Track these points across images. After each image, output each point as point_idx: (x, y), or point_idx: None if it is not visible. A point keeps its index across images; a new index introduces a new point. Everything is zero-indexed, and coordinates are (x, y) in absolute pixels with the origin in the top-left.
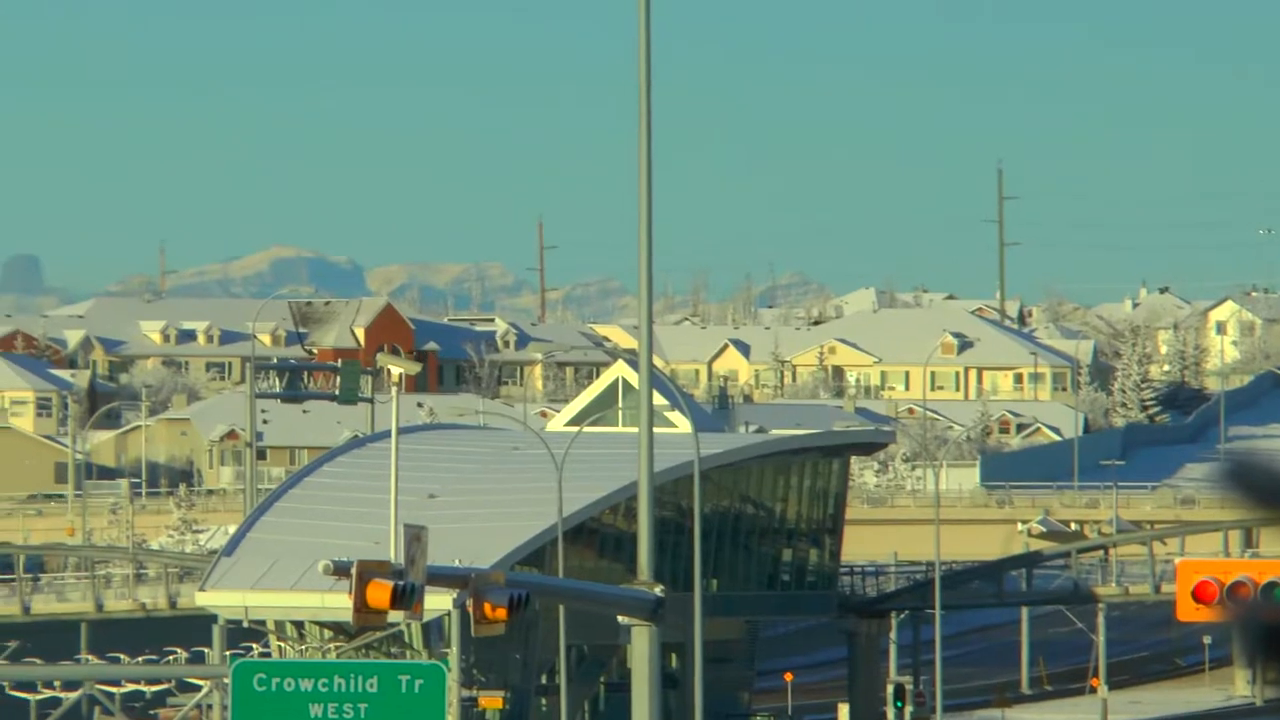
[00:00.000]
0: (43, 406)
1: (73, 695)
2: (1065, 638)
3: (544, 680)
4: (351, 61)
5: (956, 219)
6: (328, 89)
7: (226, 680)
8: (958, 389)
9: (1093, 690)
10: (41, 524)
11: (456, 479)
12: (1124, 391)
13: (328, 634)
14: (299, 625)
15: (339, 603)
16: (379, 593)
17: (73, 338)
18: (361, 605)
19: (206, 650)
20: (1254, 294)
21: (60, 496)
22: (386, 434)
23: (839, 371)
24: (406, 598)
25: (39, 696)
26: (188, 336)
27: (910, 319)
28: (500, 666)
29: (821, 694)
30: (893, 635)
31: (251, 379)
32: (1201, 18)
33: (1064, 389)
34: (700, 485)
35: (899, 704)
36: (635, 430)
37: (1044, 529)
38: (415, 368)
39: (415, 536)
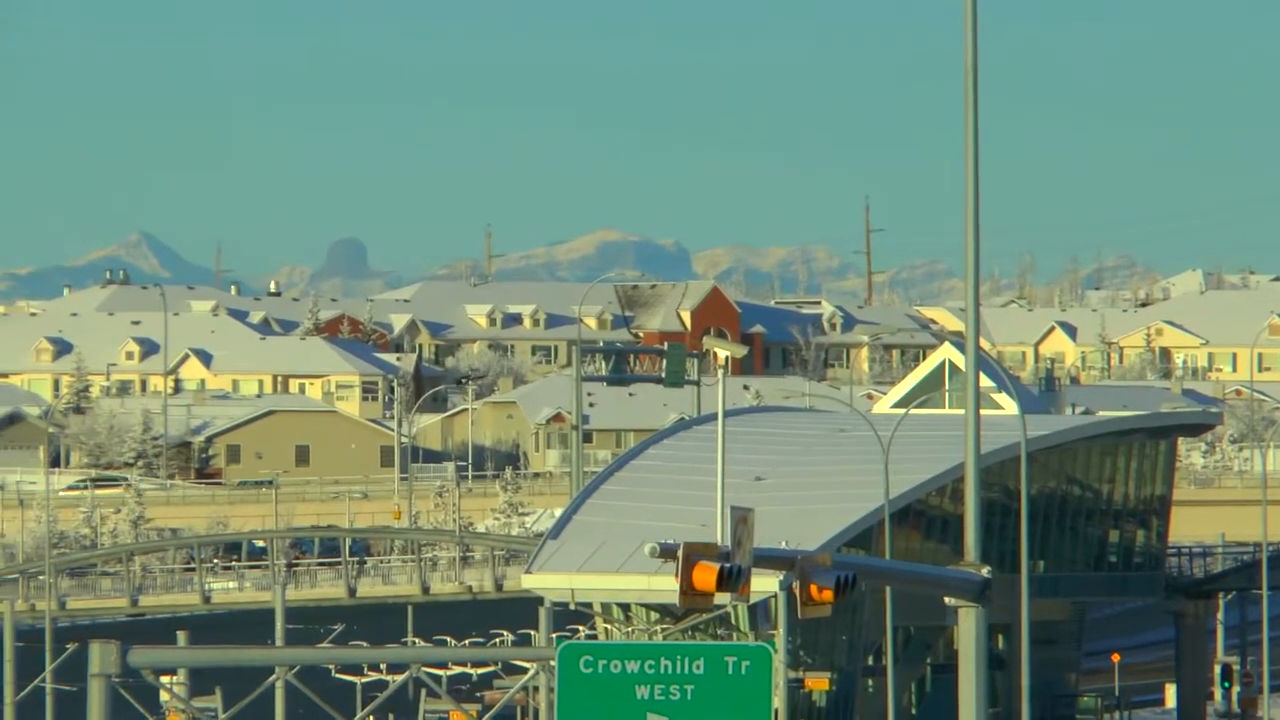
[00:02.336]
0: (368, 390)
1: (399, 678)
2: None
3: (870, 662)
4: (676, 47)
5: None
6: (653, 75)
7: (552, 663)
8: None
9: None
10: (368, 507)
11: (782, 461)
12: None
13: (654, 616)
14: (625, 607)
15: (665, 585)
16: (705, 575)
17: (398, 322)
18: (688, 587)
19: (532, 633)
20: None
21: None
22: (712, 417)
23: (1166, 353)
24: (733, 580)
25: (365, 679)
26: (513, 320)
27: (1237, 301)
28: (826, 648)
29: (1148, 675)
30: (1220, 616)
31: (577, 362)
32: None
33: None
34: (1027, 467)
35: (1226, 685)
36: (962, 412)
37: None
38: (741, 351)
39: (742, 519)
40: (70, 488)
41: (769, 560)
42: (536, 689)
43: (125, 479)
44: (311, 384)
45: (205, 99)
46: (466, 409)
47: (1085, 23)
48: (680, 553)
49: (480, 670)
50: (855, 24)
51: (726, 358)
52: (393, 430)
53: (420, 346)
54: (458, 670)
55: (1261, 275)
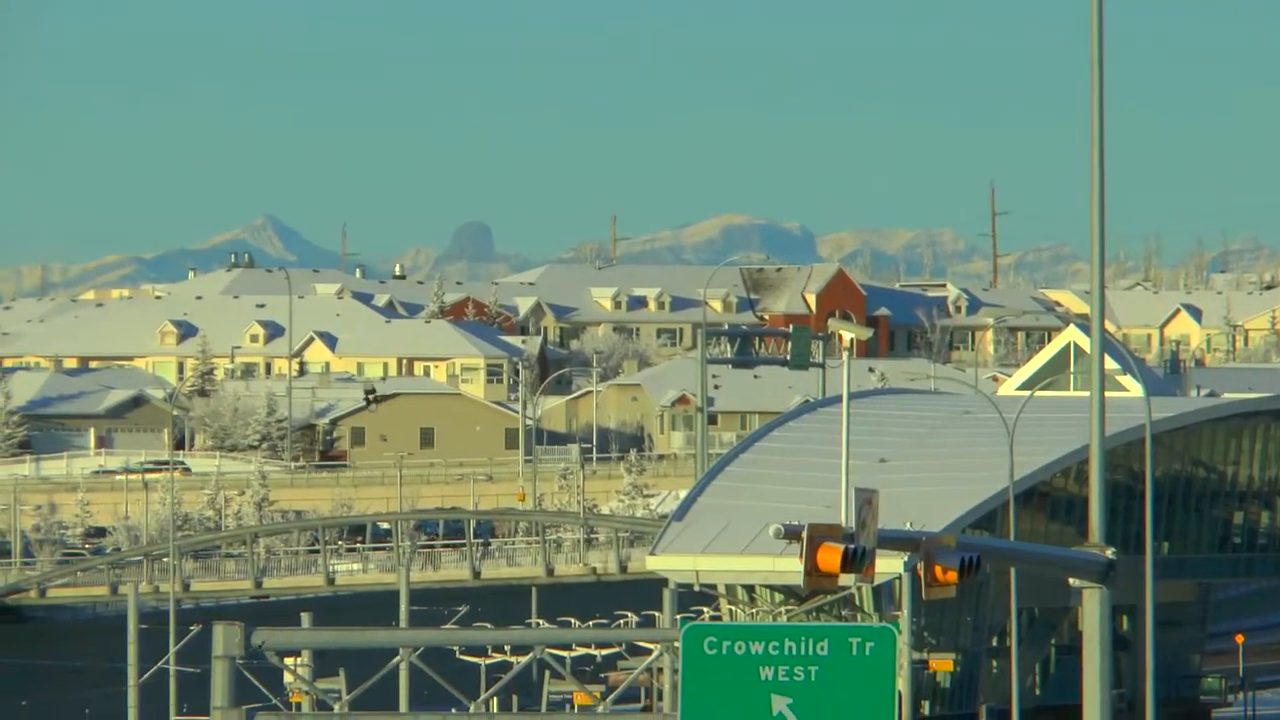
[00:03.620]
0: (493, 373)
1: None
2: None
3: (995, 643)
4: (800, 29)
5: None
6: (779, 59)
7: (677, 644)
8: None
9: None
10: (492, 489)
11: (907, 443)
12: None
13: (778, 598)
14: (749, 589)
15: (790, 566)
16: (830, 556)
17: (523, 304)
18: (812, 569)
19: (656, 614)
20: None
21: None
22: (837, 398)
23: None
24: (857, 561)
25: (489, 661)
26: (638, 303)
27: None
28: (951, 629)
29: (1274, 656)
30: None
31: (703, 345)
32: None
33: None
34: (1152, 449)
35: None
36: (1086, 394)
37: None
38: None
39: (866, 500)
40: (107, 471)
41: (894, 542)
42: (660, 670)
43: (180, 462)
44: (436, 367)
45: (331, 82)
46: (591, 391)
47: (1212, 3)
48: (805, 534)
49: (604, 652)
50: (980, 6)
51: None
52: (517, 412)
53: (545, 329)
54: (581, 652)
55: None
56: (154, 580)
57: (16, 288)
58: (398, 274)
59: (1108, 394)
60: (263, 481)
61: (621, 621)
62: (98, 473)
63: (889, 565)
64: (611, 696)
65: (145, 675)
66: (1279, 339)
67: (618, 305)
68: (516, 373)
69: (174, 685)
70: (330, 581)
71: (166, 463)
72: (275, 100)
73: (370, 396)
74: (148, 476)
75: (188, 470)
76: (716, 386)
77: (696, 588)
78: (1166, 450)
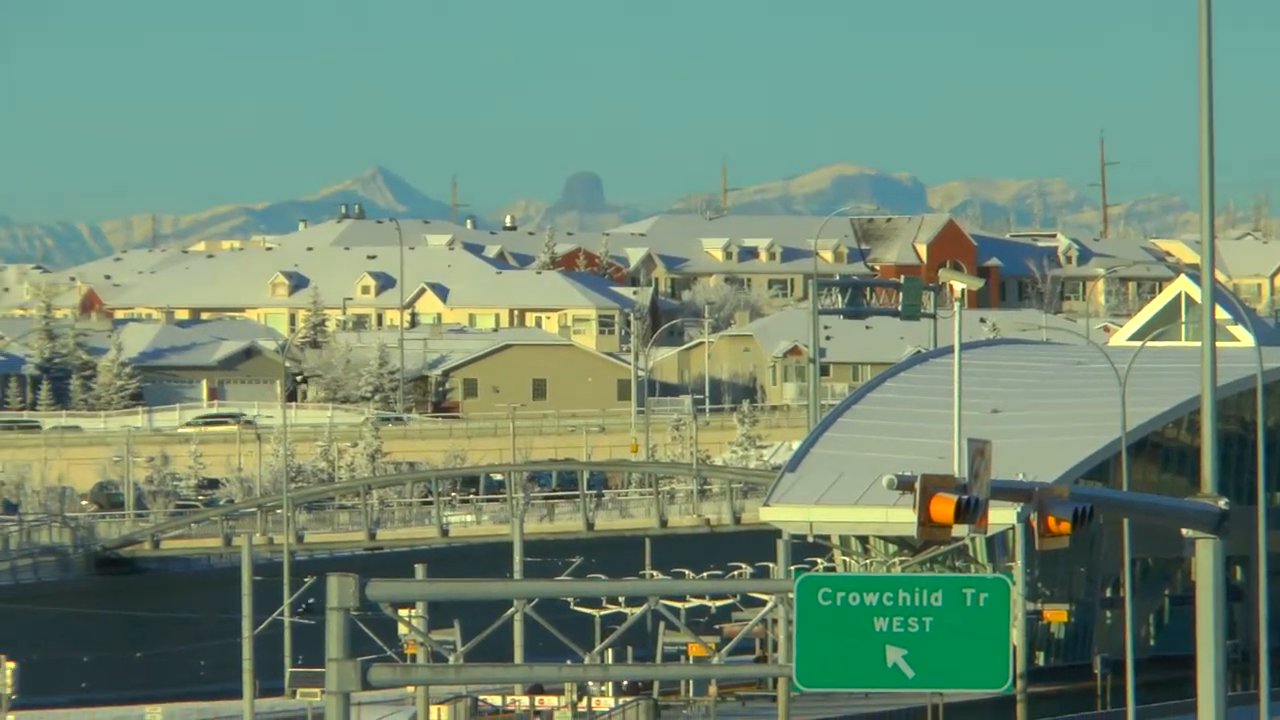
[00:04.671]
0: (605, 324)
1: (637, 611)
2: None
3: (1108, 593)
4: None
5: None
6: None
7: (791, 595)
8: None
9: None
10: (605, 441)
11: (1019, 393)
12: None
13: (892, 548)
14: (863, 540)
15: (903, 517)
16: (943, 507)
17: (634, 255)
18: (925, 519)
19: (770, 565)
20: None
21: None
22: (949, 349)
23: None
24: (970, 512)
25: (603, 612)
26: (749, 254)
27: None
28: (1064, 580)
29: None
30: None
31: (814, 295)
32: None
33: None
34: (1263, 398)
35: None
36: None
37: None
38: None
39: (979, 451)
40: (189, 424)
41: (1007, 492)
42: (775, 621)
43: (241, 415)
44: (548, 318)
45: (442, 34)
46: (703, 342)
47: None
48: (918, 485)
49: (718, 603)
50: None
51: (963, 290)
52: (629, 364)
53: (656, 280)
54: (695, 603)
55: None
56: (267, 532)
57: (127, 239)
58: (508, 225)
59: (1219, 344)
60: (375, 433)
61: (735, 573)
62: (209, 421)
63: (1002, 516)
64: (726, 648)
65: (259, 627)
66: None
67: (728, 256)
68: (628, 324)
69: (288, 637)
70: (444, 533)
71: (226, 416)
72: (386, 51)
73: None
74: (208, 430)
75: (250, 423)
76: (828, 337)
77: (810, 539)
78: (1277, 399)
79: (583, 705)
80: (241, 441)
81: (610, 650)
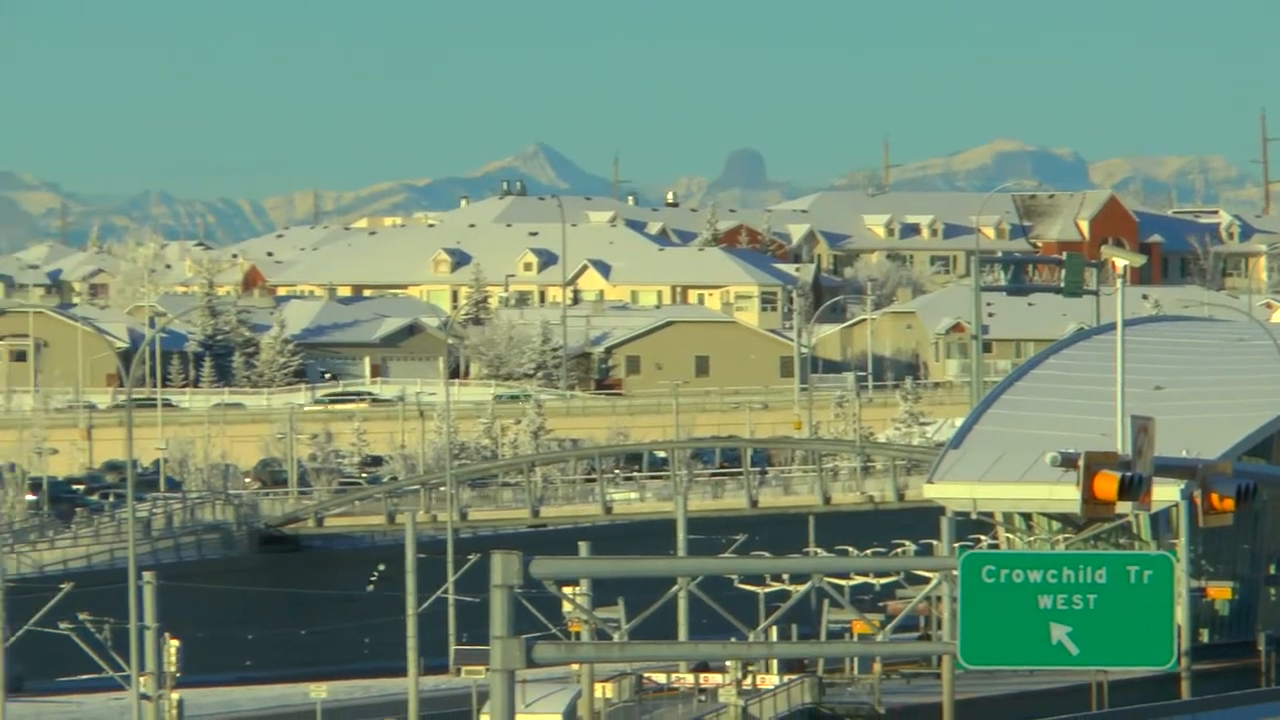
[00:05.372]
0: (767, 301)
1: (801, 588)
2: None
3: (1272, 570)
4: None
5: None
6: None
7: (955, 572)
8: None
9: None
10: (768, 418)
11: (1182, 370)
12: None
13: (1055, 525)
14: (1027, 517)
15: (1067, 494)
16: (1106, 484)
17: (796, 232)
18: (1089, 496)
19: (934, 542)
20: None
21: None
22: (1111, 326)
23: None
24: (1134, 489)
25: (767, 589)
26: (911, 230)
27: None
28: (1228, 557)
29: None
30: None
31: (976, 272)
32: None
33: None
34: None
35: None
36: None
37: None
38: (1139, 260)
39: (1142, 428)
40: (317, 403)
41: (1170, 469)
42: (939, 599)
43: (367, 394)
44: (710, 294)
45: (605, 11)
46: (865, 319)
47: None
48: (1081, 462)
49: (882, 580)
50: None
51: (1125, 267)
52: (792, 340)
53: (818, 257)
54: (859, 580)
55: None
56: (431, 509)
57: (289, 215)
58: (670, 202)
59: None
60: (538, 410)
61: (899, 550)
62: (372, 400)
63: (1165, 493)
64: (890, 625)
65: (424, 605)
66: None
67: (890, 233)
68: (790, 301)
69: (452, 614)
70: (607, 510)
71: (352, 394)
72: (548, 28)
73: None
74: (334, 408)
75: (376, 400)
76: (991, 314)
77: (974, 515)
78: None
79: (747, 683)
80: (405, 419)
81: (774, 628)
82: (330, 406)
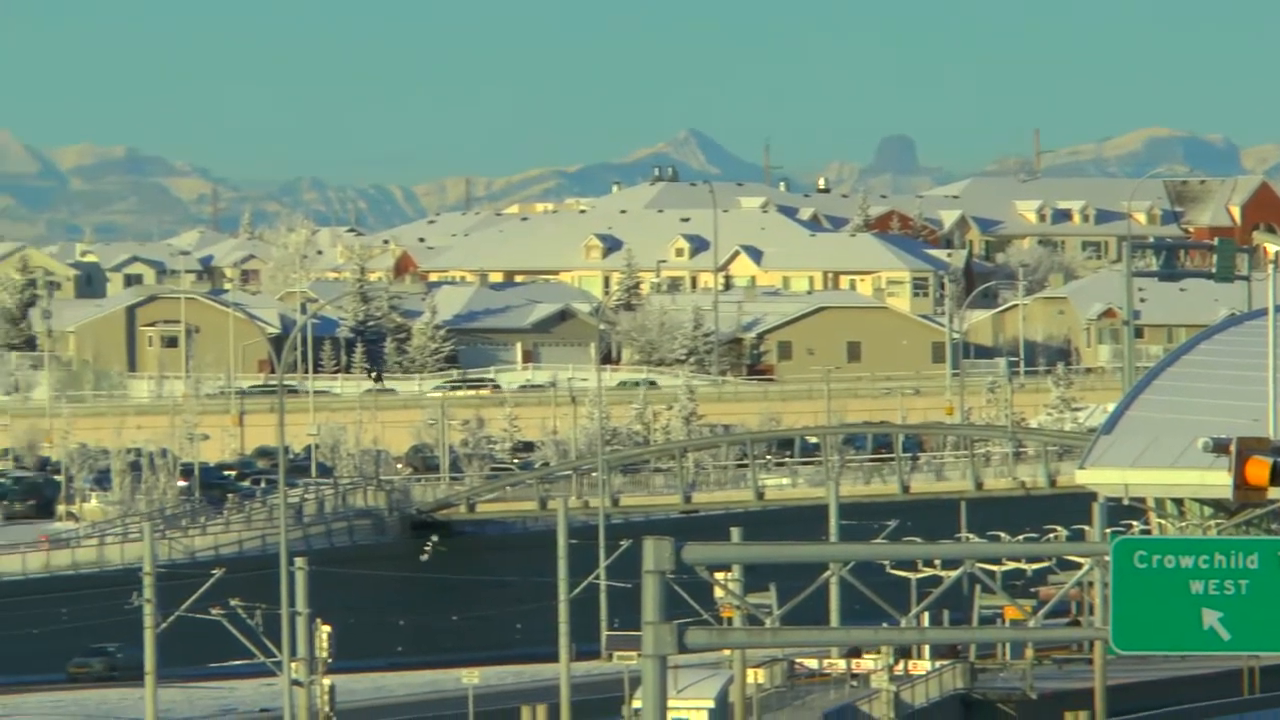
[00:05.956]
0: (919, 286)
1: (953, 574)
2: None
3: None
4: None
5: None
6: None
7: (1107, 558)
8: None
9: None
10: (919, 403)
11: None
12: None
13: (1207, 511)
14: (1178, 502)
15: (1218, 480)
16: (1258, 470)
17: (948, 217)
18: (1241, 482)
19: (1085, 528)
20: None
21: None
22: (1263, 311)
23: None
24: None
25: (919, 575)
26: (1062, 216)
27: None
28: None
29: None
30: None
31: (1128, 257)
32: None
33: None
34: None
35: None
36: None
37: None
38: None
39: None
40: (534, 386)
41: None
42: (1091, 585)
43: (489, 381)
44: (862, 280)
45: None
46: (1017, 305)
47: None
48: (1233, 447)
49: (1034, 566)
50: None
51: (1276, 253)
52: (943, 326)
53: (970, 243)
54: (1011, 566)
55: None
56: (583, 495)
57: (440, 202)
58: (821, 187)
59: None
60: (690, 395)
61: (1051, 535)
62: (524, 387)
63: None
64: (1042, 611)
65: (575, 590)
66: None
67: (1042, 218)
68: (942, 286)
69: (604, 600)
70: (759, 496)
71: (475, 382)
72: (701, 14)
73: (374, 377)
74: (456, 394)
75: (497, 387)
76: (1142, 299)
77: (1125, 501)
78: None
79: (899, 668)
80: (556, 404)
81: (926, 613)
82: (451, 394)
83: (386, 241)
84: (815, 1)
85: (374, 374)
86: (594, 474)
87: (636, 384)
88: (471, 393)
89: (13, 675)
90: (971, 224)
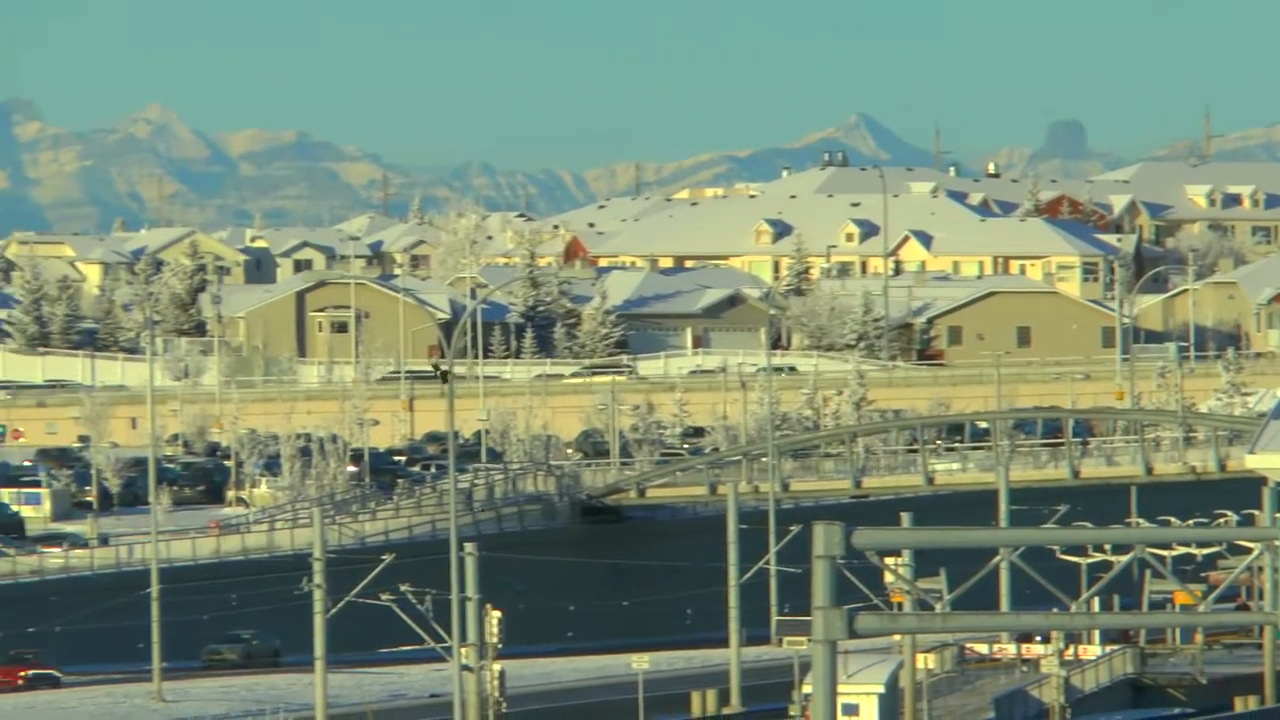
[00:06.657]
0: (1088, 271)
1: (1123, 559)
2: None
3: None
4: None
5: None
6: None
7: (1276, 543)
8: None
9: None
10: (1089, 388)
11: None
12: None
13: None
14: None
15: None
16: None
17: (1117, 202)
18: None
19: (1255, 513)
20: None
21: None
22: None
23: None
24: None
25: (1089, 560)
26: (1233, 201)
27: None
28: None
29: None
30: None
31: None
32: None
33: None
34: None
35: None
36: None
37: None
38: None
39: None
40: (704, 371)
41: None
42: (1260, 569)
43: (626, 366)
44: (1032, 265)
45: None
46: (1187, 289)
47: None
48: None
49: (1204, 551)
50: None
51: None
52: (1113, 311)
53: (1140, 227)
54: (1181, 551)
55: None
56: (753, 480)
57: (610, 187)
58: (991, 172)
59: None
60: (860, 381)
61: (1221, 520)
62: (694, 372)
63: None
64: (1212, 596)
65: (746, 575)
66: None
67: (1212, 203)
68: (1112, 271)
69: (774, 585)
70: (929, 481)
71: (605, 368)
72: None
73: (438, 369)
74: (595, 380)
75: (634, 372)
76: None
77: None
78: None
79: (1069, 653)
80: (726, 389)
81: (1096, 599)
82: (588, 380)
83: (556, 226)
84: None
85: (439, 369)
86: (764, 459)
87: (779, 370)
88: (607, 379)
89: (145, 662)
90: (1141, 209)
